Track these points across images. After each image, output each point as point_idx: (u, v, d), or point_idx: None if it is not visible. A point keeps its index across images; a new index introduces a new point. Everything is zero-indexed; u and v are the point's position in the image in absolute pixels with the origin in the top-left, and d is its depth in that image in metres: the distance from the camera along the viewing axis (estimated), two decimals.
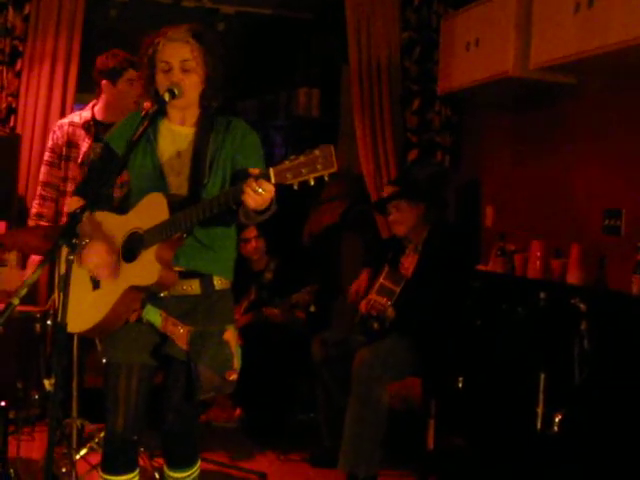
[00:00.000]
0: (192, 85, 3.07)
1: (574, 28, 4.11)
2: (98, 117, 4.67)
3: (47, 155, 4.76)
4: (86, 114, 4.70)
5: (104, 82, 4.61)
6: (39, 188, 4.80)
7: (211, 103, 3.17)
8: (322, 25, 7.09)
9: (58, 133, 4.71)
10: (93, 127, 4.65)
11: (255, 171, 2.67)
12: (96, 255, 3.04)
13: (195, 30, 3.08)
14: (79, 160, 4.67)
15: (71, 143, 4.69)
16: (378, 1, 5.56)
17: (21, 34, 5.17)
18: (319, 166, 2.56)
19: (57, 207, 4.81)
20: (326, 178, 2.59)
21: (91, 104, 4.74)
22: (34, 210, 4.82)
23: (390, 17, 5.59)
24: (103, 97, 4.67)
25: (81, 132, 4.65)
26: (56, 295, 3.29)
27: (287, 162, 2.60)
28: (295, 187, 2.61)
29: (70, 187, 4.70)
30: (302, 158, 2.58)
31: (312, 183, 2.59)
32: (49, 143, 4.79)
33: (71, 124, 4.70)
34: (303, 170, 2.57)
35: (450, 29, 5.33)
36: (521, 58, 4.57)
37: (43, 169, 4.78)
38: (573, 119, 4.74)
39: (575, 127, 4.73)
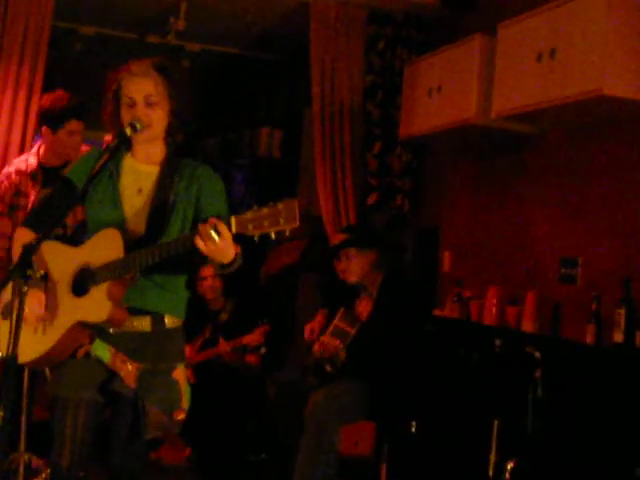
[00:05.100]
0: (158, 119, 3.05)
1: (536, 78, 4.16)
2: (43, 160, 4.53)
3: None
4: (32, 160, 4.55)
5: (44, 128, 4.49)
6: None
7: (175, 138, 3.16)
8: (286, 66, 7.14)
9: (6, 183, 4.54)
10: (40, 175, 4.53)
11: (213, 219, 2.64)
12: (34, 301, 2.95)
13: (158, 64, 3.07)
14: (29, 208, 4.54)
15: (19, 192, 4.53)
16: (343, 44, 5.60)
17: None
18: (282, 220, 2.53)
19: (9, 255, 4.67)
20: (287, 233, 2.56)
21: (36, 147, 4.60)
22: None
23: (354, 60, 5.62)
24: (45, 141, 4.56)
25: (28, 182, 4.55)
26: None
27: (250, 213, 2.57)
28: (255, 239, 2.58)
29: None
30: (265, 210, 2.55)
31: (273, 237, 2.56)
32: None
33: (17, 172, 4.53)
34: (265, 222, 2.54)
35: (413, 75, 5.38)
36: (483, 106, 4.62)
37: None
38: (533, 168, 4.79)
39: (535, 176, 4.77)
